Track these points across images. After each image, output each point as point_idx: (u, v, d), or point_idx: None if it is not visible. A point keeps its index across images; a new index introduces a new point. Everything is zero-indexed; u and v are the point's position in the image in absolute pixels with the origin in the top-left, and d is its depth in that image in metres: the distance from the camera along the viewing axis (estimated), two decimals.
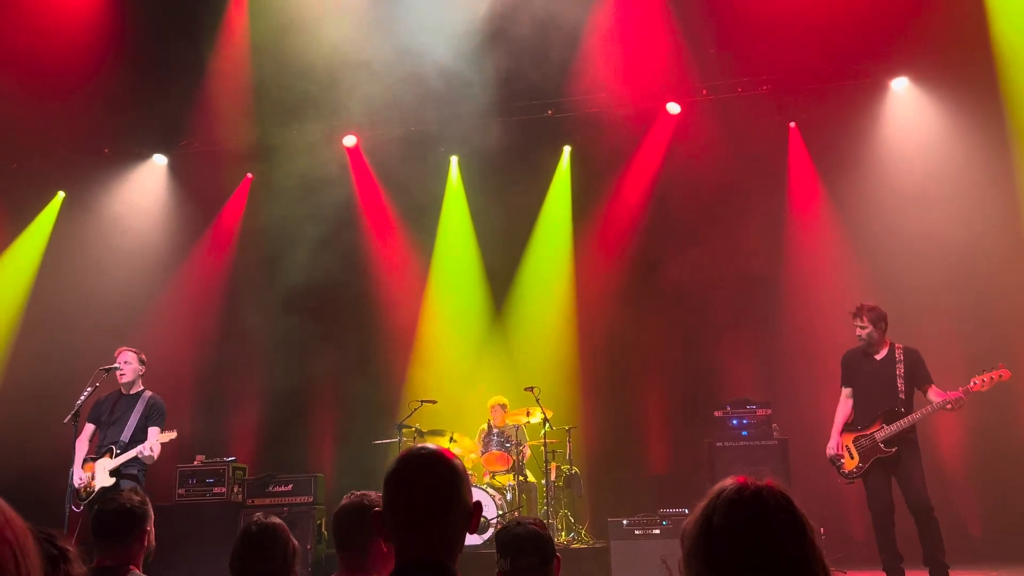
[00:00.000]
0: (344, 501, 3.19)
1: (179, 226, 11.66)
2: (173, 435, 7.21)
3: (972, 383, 6.46)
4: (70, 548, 2.06)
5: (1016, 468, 9.02)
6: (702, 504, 1.69)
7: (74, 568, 2.05)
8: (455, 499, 1.95)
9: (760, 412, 8.50)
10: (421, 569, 1.90)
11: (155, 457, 7.11)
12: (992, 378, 6.48)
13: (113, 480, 6.97)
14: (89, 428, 7.30)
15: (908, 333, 7.33)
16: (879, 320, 6.85)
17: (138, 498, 3.49)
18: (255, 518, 3.26)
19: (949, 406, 6.44)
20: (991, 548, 8.58)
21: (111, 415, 7.21)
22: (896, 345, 6.86)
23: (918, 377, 6.73)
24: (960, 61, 9.58)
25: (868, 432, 6.69)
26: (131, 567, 3.32)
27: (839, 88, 10.12)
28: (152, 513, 3.51)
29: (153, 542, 3.50)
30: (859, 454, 6.69)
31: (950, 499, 6.50)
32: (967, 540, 6.78)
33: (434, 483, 1.95)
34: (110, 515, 3.40)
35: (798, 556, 1.59)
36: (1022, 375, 9.17)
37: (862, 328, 6.85)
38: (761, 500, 1.63)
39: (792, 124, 10.51)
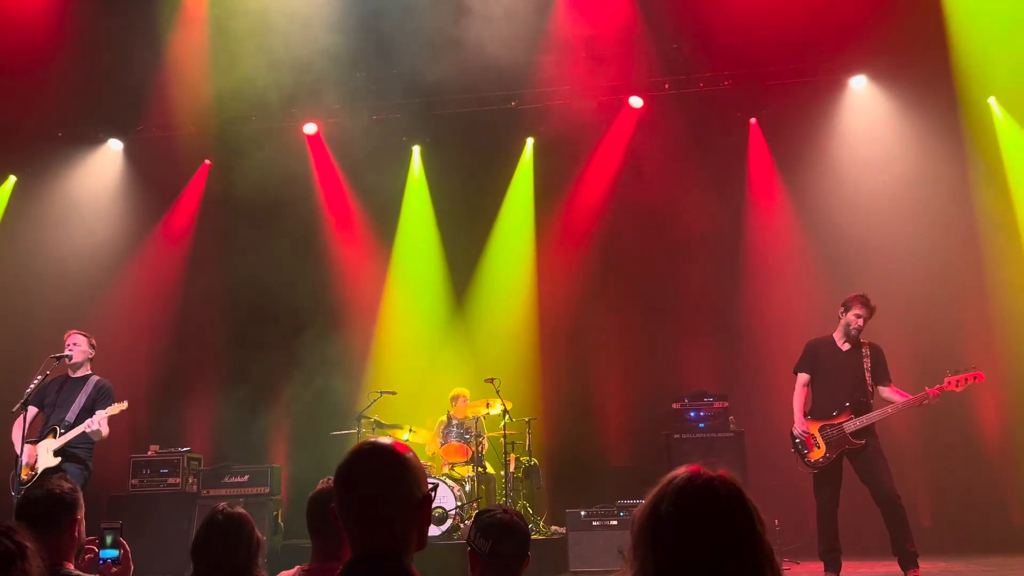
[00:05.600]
0: (320, 486, 3.14)
1: (135, 212, 11.44)
2: (124, 406, 6.88)
3: (947, 382, 6.43)
4: (28, 544, 2.00)
5: (965, 460, 9.23)
6: (653, 492, 1.67)
7: (31, 565, 1.98)
8: (400, 492, 1.94)
9: (717, 404, 8.62)
10: (371, 562, 1.90)
11: (103, 434, 6.77)
12: (967, 379, 6.44)
13: (58, 460, 6.69)
14: (32, 411, 6.97)
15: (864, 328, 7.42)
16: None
17: (68, 485, 3.22)
18: (220, 508, 3.11)
19: (927, 402, 6.45)
20: (941, 539, 8.77)
21: (56, 397, 6.96)
22: (862, 340, 6.88)
23: (879, 373, 6.77)
24: (917, 60, 9.74)
25: (836, 422, 6.67)
26: (65, 563, 3.04)
27: (799, 85, 10.25)
28: (82, 502, 3.25)
29: (84, 535, 3.24)
30: (826, 444, 6.65)
31: (900, 490, 6.59)
32: (917, 531, 6.91)
33: (381, 476, 1.94)
34: (36, 502, 3.12)
35: (745, 548, 1.59)
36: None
37: (861, 318, 6.76)
38: (711, 490, 1.62)
39: (753, 120, 10.61)
